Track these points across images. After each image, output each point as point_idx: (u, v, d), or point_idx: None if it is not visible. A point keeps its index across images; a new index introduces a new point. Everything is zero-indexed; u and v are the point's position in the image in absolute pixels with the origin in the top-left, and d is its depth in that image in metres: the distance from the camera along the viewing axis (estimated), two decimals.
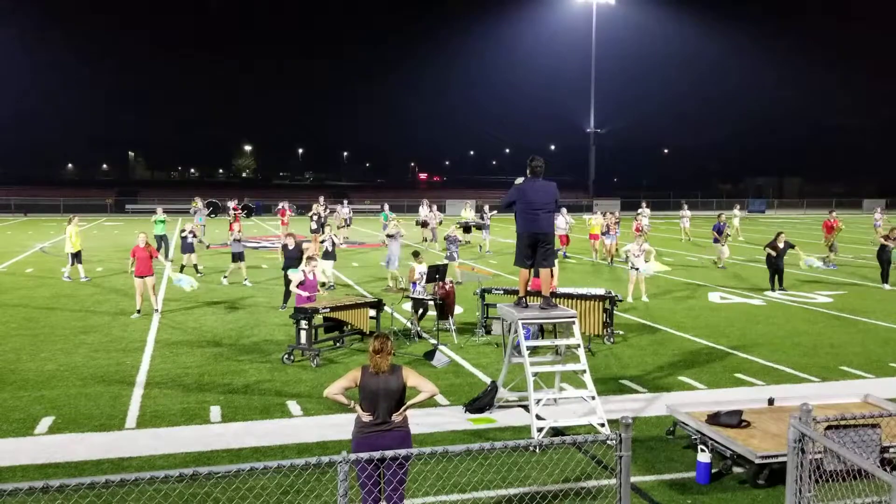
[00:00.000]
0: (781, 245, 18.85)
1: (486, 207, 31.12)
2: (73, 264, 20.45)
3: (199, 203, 32.37)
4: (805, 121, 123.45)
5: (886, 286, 19.80)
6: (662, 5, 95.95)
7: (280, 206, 36.29)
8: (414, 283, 13.74)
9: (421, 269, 13.82)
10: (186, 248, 20.89)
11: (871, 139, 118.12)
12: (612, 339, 13.07)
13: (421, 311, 13.63)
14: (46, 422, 8.87)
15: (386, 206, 36.20)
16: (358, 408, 5.69)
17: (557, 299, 11.57)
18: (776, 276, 19.00)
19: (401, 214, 57.42)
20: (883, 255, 20.33)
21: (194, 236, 21.30)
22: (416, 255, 14.61)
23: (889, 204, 72.14)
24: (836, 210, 37.41)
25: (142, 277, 15.19)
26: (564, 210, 27.56)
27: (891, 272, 20.25)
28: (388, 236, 19.71)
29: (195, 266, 21.39)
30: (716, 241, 24.11)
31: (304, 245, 16.46)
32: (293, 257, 15.60)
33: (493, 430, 8.72)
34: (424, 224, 33.03)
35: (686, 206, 33.02)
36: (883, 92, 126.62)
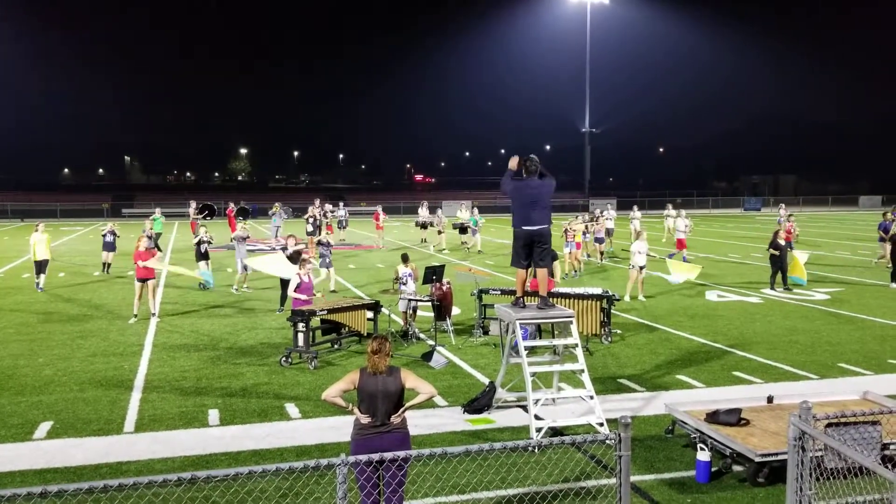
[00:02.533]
0: (783, 243, 18.82)
1: (476, 210, 30.79)
2: (36, 273, 19.45)
3: (278, 207, 32.72)
4: (800, 119, 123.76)
5: (894, 285, 19.66)
6: (656, 5, 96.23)
7: (376, 211, 34.12)
8: (401, 284, 13.67)
9: (404, 270, 13.76)
10: (106, 246, 22.84)
11: (867, 137, 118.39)
12: (609, 339, 13.07)
13: (411, 311, 13.63)
14: (45, 427, 8.84)
15: (476, 210, 31.66)
16: (356, 410, 5.67)
17: (555, 299, 11.57)
18: (779, 275, 18.93)
19: (397, 216, 57.51)
20: None
21: (115, 235, 23.00)
22: (404, 257, 14.33)
23: (885, 201, 72.34)
24: (833, 207, 37.37)
25: (143, 281, 15.14)
26: (684, 212, 26.35)
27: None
28: (237, 238, 19.77)
29: (108, 265, 22.95)
30: (881, 239, 23.87)
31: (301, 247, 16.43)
32: (292, 259, 15.54)
33: (491, 431, 8.71)
34: (423, 226, 33.06)
35: (636, 208, 32.68)
36: (878, 90, 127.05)
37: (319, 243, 18.93)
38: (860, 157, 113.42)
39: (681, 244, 25.52)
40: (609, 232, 27.98)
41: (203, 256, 19.29)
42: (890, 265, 20.24)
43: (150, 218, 27.90)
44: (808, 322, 14.94)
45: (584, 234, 25.75)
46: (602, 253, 25.49)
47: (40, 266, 19.50)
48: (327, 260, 18.38)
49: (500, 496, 6.82)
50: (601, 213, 27.68)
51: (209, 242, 19.63)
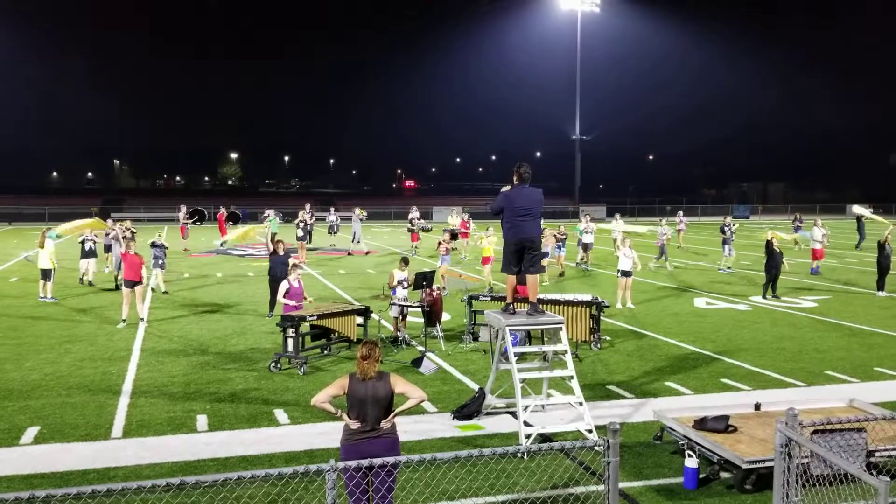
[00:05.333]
0: (777, 250, 18.87)
1: (466, 215, 30.47)
2: (45, 281, 18.33)
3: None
4: (789, 126, 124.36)
5: (882, 293, 19.74)
6: (647, 12, 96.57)
7: (462, 220, 32.17)
8: (394, 289, 13.69)
9: (400, 275, 13.76)
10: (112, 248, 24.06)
11: (855, 145, 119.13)
12: (599, 345, 13.11)
13: (401, 316, 13.63)
14: (31, 432, 8.79)
15: (585, 218, 27.72)
16: (345, 416, 5.67)
17: (544, 305, 11.60)
18: (772, 283, 18.97)
19: (387, 221, 57.53)
20: (883, 261, 19.99)
21: (132, 232, 24.07)
22: (404, 261, 14.32)
23: (873, 210, 72.84)
24: (821, 216, 37.52)
25: (131, 285, 15.07)
26: (820, 221, 24.89)
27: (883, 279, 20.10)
28: (115, 239, 20.93)
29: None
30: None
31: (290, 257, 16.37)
32: (281, 264, 15.51)
33: (481, 437, 8.72)
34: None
35: (589, 218, 31.75)
36: (867, 97, 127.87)
37: (153, 245, 19.35)
38: (849, 165, 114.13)
39: (817, 254, 24.25)
40: (586, 247, 26.07)
41: (88, 254, 19.89)
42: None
43: (266, 219, 28.47)
44: (795, 329, 15.03)
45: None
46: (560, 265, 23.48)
47: (47, 274, 18.39)
48: (160, 262, 19.35)
49: (489, 502, 6.83)
50: (561, 227, 26.31)
51: (94, 241, 20.19)
